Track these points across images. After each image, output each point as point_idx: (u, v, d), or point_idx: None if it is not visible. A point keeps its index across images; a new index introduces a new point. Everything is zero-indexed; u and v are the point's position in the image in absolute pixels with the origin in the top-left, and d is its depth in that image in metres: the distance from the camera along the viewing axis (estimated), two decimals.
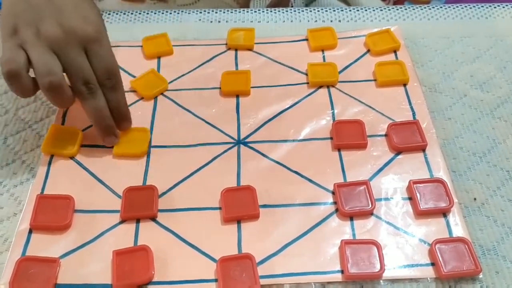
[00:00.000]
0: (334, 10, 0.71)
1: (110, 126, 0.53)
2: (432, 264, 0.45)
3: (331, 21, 0.69)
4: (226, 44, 0.66)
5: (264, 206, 0.49)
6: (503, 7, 0.70)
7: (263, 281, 0.44)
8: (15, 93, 0.50)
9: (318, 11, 0.71)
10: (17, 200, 0.51)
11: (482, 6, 0.71)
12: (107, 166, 0.53)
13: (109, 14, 0.71)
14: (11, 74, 0.48)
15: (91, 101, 0.51)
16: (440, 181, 0.50)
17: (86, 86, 0.50)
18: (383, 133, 0.55)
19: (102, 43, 0.52)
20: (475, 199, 0.50)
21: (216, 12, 0.71)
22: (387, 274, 0.45)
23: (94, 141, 0.55)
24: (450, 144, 0.55)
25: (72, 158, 0.54)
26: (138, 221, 0.49)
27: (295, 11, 0.71)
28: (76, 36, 0.50)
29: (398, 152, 0.54)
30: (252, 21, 0.70)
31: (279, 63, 0.63)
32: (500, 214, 0.49)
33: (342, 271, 0.45)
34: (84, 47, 0.51)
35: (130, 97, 0.59)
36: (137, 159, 0.54)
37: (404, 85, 0.60)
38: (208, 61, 0.64)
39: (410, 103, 0.58)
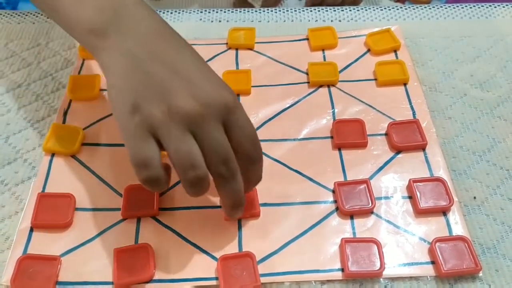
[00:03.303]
0: (335, 10, 0.71)
1: (243, 205, 0.46)
2: (432, 262, 0.46)
3: (332, 20, 0.70)
4: (226, 43, 0.66)
5: (265, 204, 0.50)
6: (503, 6, 0.71)
7: (263, 279, 0.44)
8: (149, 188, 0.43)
9: (318, 10, 0.71)
10: (18, 199, 0.51)
11: (482, 6, 0.71)
12: (108, 164, 0.53)
13: None
14: (151, 179, 0.41)
15: (231, 184, 0.43)
16: (440, 180, 0.50)
17: (227, 166, 0.42)
18: (383, 132, 0.55)
19: (241, 109, 0.44)
20: (475, 197, 0.50)
21: (217, 12, 0.71)
22: (387, 272, 0.45)
23: (95, 140, 0.55)
24: (450, 143, 0.55)
25: (73, 156, 0.54)
26: (139, 219, 0.49)
27: (295, 10, 0.71)
28: (215, 107, 0.42)
29: (398, 151, 0.54)
30: (252, 21, 0.70)
31: (280, 62, 0.63)
32: (500, 212, 0.49)
33: (342, 269, 0.45)
34: (223, 119, 0.42)
35: None
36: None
37: (404, 84, 0.60)
38: (208, 60, 0.64)
39: (410, 103, 0.58)
